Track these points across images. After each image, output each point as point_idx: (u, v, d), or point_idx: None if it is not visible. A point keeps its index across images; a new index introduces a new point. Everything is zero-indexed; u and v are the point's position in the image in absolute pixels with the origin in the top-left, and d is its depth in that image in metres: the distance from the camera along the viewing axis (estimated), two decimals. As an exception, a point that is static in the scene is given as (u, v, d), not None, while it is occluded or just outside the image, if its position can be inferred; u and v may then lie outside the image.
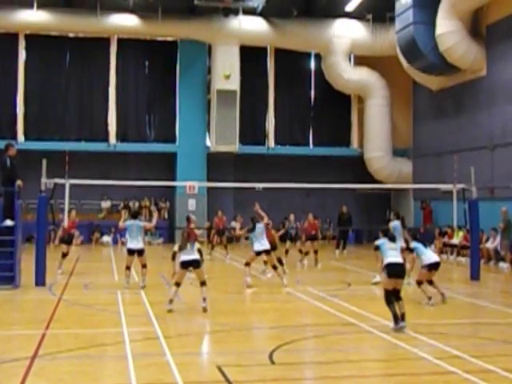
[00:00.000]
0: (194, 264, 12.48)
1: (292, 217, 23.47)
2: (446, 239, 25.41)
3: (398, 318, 10.62)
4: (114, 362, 8.65)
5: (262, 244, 16.11)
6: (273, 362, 8.55)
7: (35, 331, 10.23)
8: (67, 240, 18.79)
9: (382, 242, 11.27)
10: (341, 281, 17.14)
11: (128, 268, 15.65)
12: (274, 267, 16.18)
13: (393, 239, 11.34)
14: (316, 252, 21.09)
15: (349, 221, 26.91)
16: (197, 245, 12.59)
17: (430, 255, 13.57)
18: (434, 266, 13.42)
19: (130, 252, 15.66)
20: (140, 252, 15.70)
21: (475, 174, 18.16)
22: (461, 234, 23.99)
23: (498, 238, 21.99)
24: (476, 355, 8.82)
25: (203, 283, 12.53)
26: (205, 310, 12.27)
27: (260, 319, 11.79)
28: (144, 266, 15.64)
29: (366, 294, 15.12)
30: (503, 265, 21.30)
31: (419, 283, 13.45)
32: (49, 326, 10.79)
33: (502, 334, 10.49)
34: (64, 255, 18.42)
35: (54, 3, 29.31)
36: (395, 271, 10.86)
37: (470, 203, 18.01)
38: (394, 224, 16.22)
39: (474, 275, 17.63)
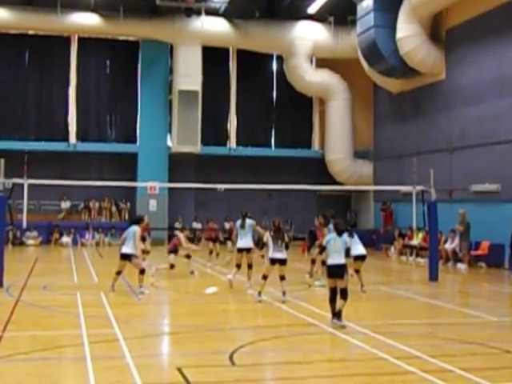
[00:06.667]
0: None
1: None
2: (405, 240, 25.71)
3: None
4: (73, 364, 8.55)
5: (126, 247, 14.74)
6: (233, 363, 8.54)
7: (-8, 333, 10.06)
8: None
9: None
10: (301, 282, 17.17)
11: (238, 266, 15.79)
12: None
13: None
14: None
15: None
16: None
17: None
18: None
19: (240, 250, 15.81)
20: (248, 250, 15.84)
21: (434, 177, 18.42)
22: (420, 235, 24.29)
23: (457, 240, 22.33)
24: (434, 355, 8.93)
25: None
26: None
27: (220, 320, 11.76)
28: (249, 266, 15.68)
29: (327, 294, 15.14)
30: (461, 266, 21.63)
31: None
32: (6, 327, 10.61)
33: (460, 334, 10.64)
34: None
35: (14, 0, 28.88)
36: None
37: (429, 205, 18.25)
38: None
39: (433, 276, 17.86)
